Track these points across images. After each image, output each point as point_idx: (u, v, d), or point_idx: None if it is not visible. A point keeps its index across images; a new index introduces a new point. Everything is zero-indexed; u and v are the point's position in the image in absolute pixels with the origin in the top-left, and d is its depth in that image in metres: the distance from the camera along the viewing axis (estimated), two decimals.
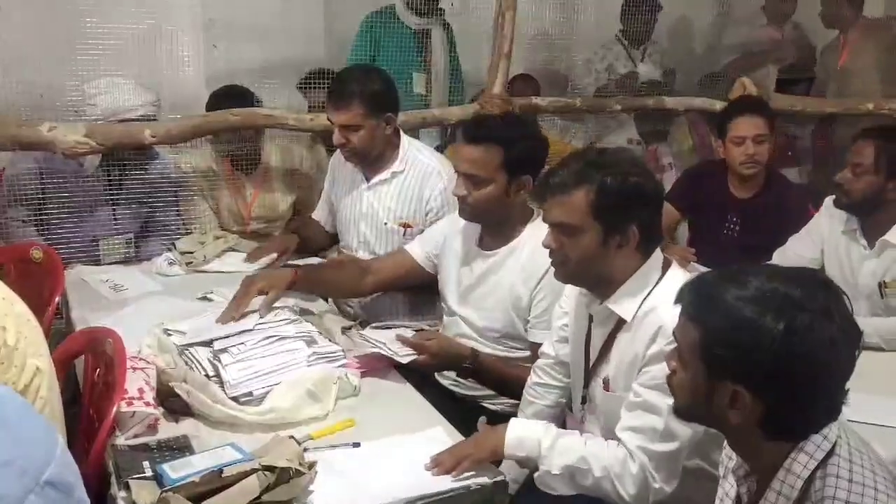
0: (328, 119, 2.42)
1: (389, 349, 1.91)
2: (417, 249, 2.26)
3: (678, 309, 1.18)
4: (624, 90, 3.77)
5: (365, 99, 2.33)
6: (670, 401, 1.45)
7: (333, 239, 2.76)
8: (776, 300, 1.06)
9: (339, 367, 1.84)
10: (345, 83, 2.37)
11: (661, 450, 1.51)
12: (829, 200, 2.53)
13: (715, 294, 1.11)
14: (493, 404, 2.09)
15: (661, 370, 1.47)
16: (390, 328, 2.03)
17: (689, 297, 1.15)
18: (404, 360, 1.90)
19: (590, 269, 1.62)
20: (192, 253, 2.54)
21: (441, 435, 1.69)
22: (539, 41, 3.59)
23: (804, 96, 3.80)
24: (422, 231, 2.44)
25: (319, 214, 2.75)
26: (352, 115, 2.33)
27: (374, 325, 2.07)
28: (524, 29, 3.21)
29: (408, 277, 2.28)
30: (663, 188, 1.72)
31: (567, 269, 1.65)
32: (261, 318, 1.94)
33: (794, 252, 2.54)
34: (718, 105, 3.34)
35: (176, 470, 1.42)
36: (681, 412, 1.23)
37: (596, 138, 3.96)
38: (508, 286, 2.02)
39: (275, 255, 2.56)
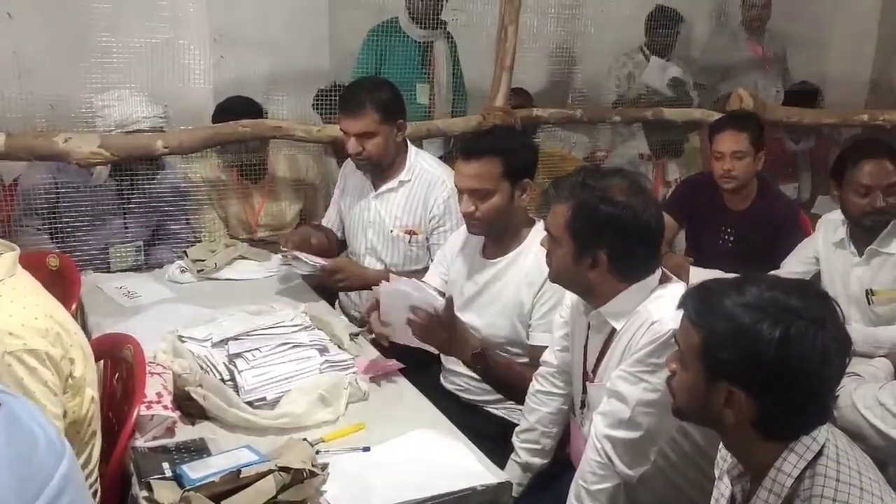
0: (341, 130, 2.49)
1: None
2: (435, 279, 2.30)
3: (671, 310, 1.25)
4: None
5: (377, 106, 2.41)
6: (639, 392, 1.54)
7: (342, 244, 2.83)
8: (774, 308, 1.13)
9: (350, 373, 1.91)
10: (357, 93, 2.45)
11: (624, 437, 1.58)
12: (825, 217, 2.59)
13: (716, 300, 1.18)
14: (498, 409, 2.15)
15: (639, 361, 1.55)
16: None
17: (692, 302, 1.22)
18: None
19: (569, 279, 1.72)
20: (203, 261, 2.60)
21: (447, 438, 1.75)
22: (539, 55, 3.65)
23: (804, 107, 3.86)
24: (426, 238, 2.53)
25: (328, 222, 2.81)
26: (367, 123, 2.41)
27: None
28: (528, 43, 3.28)
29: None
30: (659, 221, 1.64)
31: (552, 273, 1.76)
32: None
33: (785, 271, 2.61)
34: (716, 117, 3.40)
35: (195, 470, 1.48)
36: (680, 412, 1.29)
37: (593, 150, 4.03)
38: (512, 292, 2.08)
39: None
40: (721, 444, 1.33)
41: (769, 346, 1.11)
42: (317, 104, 3.23)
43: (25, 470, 1.02)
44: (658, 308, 1.57)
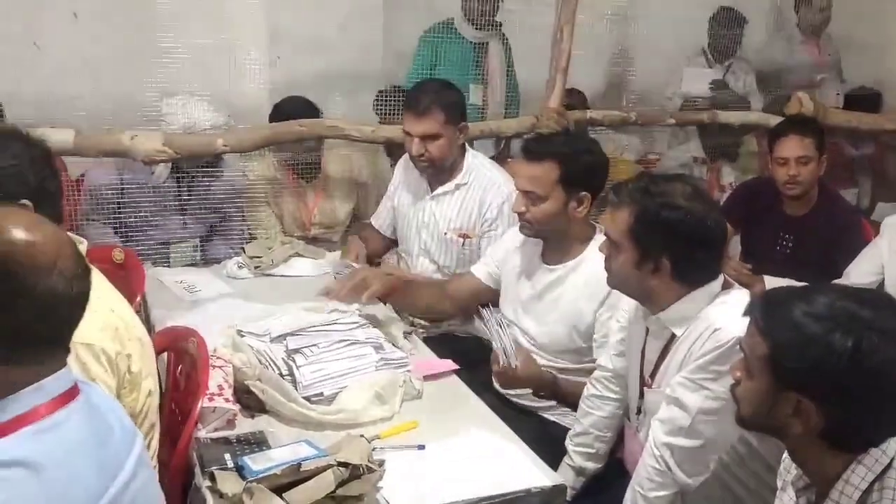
0: (404, 131, 2.51)
1: (501, 346, 1.97)
2: (481, 270, 2.33)
3: (735, 317, 1.23)
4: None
5: (443, 108, 2.43)
6: (700, 400, 1.53)
7: (391, 243, 2.84)
8: (845, 318, 1.11)
9: (404, 371, 1.93)
10: (424, 94, 2.47)
11: (684, 445, 1.58)
12: (888, 220, 2.54)
13: (785, 309, 1.16)
14: (552, 414, 2.15)
15: (701, 368, 1.54)
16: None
17: (759, 310, 1.20)
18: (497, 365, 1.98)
19: (630, 285, 1.70)
20: (260, 257, 2.66)
21: (501, 439, 1.76)
22: (593, 56, 3.63)
23: (864, 112, 3.76)
24: (479, 241, 2.53)
25: (379, 220, 2.83)
26: (432, 124, 2.43)
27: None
28: (579, 43, 3.26)
29: (479, 297, 2.32)
30: (721, 227, 1.65)
31: (611, 278, 1.75)
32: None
33: (852, 281, 2.54)
34: (774, 121, 3.34)
35: (257, 463, 1.51)
36: (744, 420, 1.27)
37: (645, 153, 3.99)
38: (571, 301, 2.07)
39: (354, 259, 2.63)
40: (784, 455, 1.31)
41: (841, 358, 1.09)
42: (377, 105, 3.26)
43: (104, 454, 1.08)
44: (721, 314, 1.56)
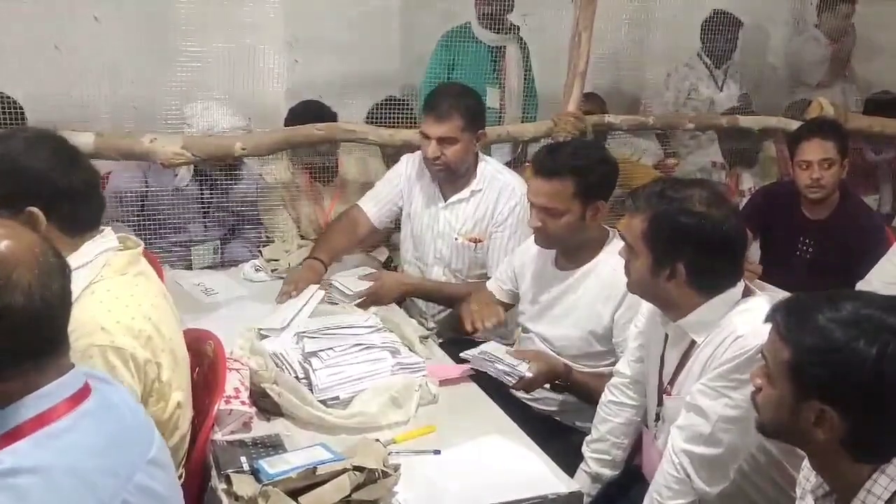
0: (421, 133, 2.49)
1: (502, 369, 1.96)
2: (495, 286, 2.34)
3: (757, 325, 1.21)
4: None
5: (463, 113, 2.42)
6: (720, 408, 1.51)
7: (377, 235, 2.83)
8: (869, 325, 1.10)
9: (421, 376, 1.93)
10: (445, 98, 2.46)
11: (703, 453, 1.55)
12: None
13: (809, 315, 1.14)
14: (569, 420, 2.14)
15: (722, 376, 1.52)
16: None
17: (782, 316, 1.18)
18: (512, 382, 1.96)
19: (648, 291, 1.69)
20: (277, 260, 2.67)
21: (517, 444, 1.75)
22: (610, 60, 3.62)
23: (886, 117, 3.72)
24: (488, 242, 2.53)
25: (371, 206, 2.66)
26: (450, 128, 2.41)
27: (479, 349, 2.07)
28: (596, 48, 3.25)
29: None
30: (740, 233, 1.62)
31: (630, 283, 1.73)
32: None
33: (875, 288, 2.47)
34: (794, 125, 3.32)
35: (273, 466, 1.52)
36: (765, 428, 1.26)
37: (663, 157, 3.96)
38: (588, 305, 2.06)
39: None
40: (804, 463, 1.30)
41: (864, 365, 1.08)
42: (370, 117, 3.22)
43: (118, 453, 1.08)
44: (743, 322, 1.54)
